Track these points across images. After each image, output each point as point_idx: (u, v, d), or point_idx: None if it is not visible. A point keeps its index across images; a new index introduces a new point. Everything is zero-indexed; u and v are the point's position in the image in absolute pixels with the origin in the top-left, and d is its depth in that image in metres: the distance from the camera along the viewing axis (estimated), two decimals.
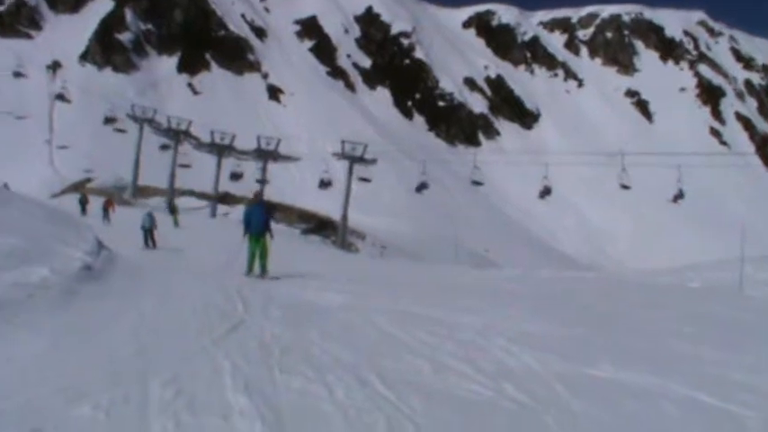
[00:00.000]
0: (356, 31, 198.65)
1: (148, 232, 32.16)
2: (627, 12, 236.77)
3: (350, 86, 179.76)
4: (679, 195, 68.55)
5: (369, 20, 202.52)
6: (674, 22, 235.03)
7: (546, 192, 73.72)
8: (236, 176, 79.73)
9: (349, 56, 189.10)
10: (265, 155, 77.28)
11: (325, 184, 79.03)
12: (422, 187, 76.26)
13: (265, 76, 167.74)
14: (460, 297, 17.10)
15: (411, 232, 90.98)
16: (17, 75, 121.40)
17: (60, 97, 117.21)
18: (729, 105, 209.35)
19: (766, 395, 8.26)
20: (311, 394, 7.29)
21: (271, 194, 76.37)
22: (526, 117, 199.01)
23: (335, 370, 8.28)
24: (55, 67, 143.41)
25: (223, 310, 12.72)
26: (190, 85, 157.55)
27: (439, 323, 12.33)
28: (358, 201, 72.89)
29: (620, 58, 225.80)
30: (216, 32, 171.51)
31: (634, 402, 7.68)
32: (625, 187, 67.49)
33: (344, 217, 67.12)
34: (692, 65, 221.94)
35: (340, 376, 8.00)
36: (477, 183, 73.94)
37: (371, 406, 7.02)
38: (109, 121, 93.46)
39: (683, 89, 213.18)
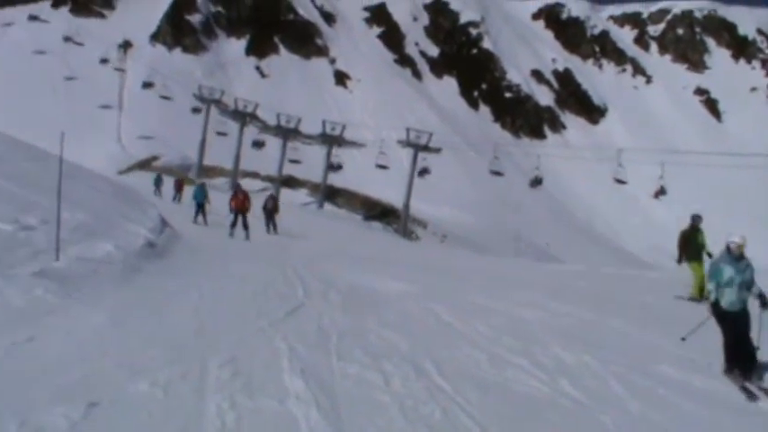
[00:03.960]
0: (425, 19, 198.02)
1: (200, 206, 32.56)
2: (699, 8, 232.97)
3: (417, 75, 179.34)
4: None
5: (437, 8, 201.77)
6: (747, 20, 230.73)
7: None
8: (294, 161, 79.90)
9: (417, 44, 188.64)
10: (330, 140, 77.49)
11: (381, 166, 78.77)
12: (536, 182, 76.10)
13: (333, 62, 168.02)
14: (521, 290, 16.95)
15: (473, 223, 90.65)
16: (103, 61, 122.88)
17: (130, 77, 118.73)
18: None
19: None
20: (367, 382, 7.25)
21: (334, 180, 76.79)
22: (593, 112, 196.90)
23: (392, 358, 8.23)
24: (126, 46, 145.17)
25: (282, 293, 12.75)
26: (257, 68, 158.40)
27: (498, 315, 12.23)
28: (421, 189, 72.61)
29: (691, 56, 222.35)
30: (285, 16, 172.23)
31: (692, 405, 7.53)
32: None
33: (407, 205, 67.11)
34: (765, 64, 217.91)
35: (397, 365, 7.95)
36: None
37: (427, 397, 6.97)
38: (175, 103, 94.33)
39: (754, 89, 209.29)
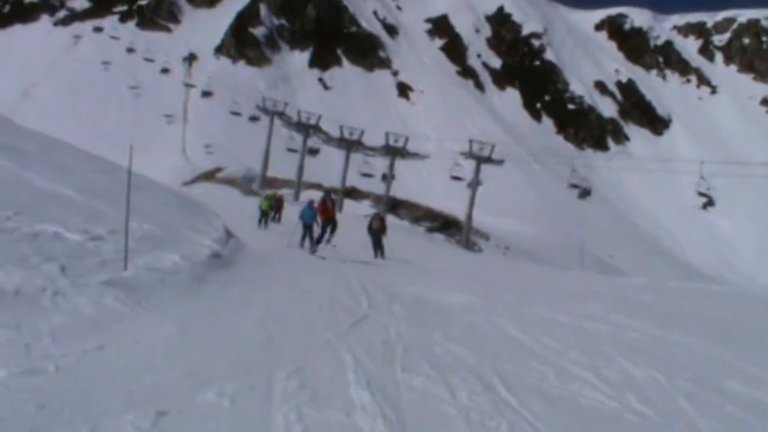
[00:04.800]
0: (487, 30, 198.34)
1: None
2: (766, 17, 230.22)
3: (479, 86, 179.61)
4: None
5: (500, 20, 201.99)
6: None
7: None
8: (366, 175, 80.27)
9: (479, 55, 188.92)
10: (393, 152, 77.81)
11: (456, 178, 78.72)
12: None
13: (395, 74, 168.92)
14: (584, 303, 16.82)
15: (535, 235, 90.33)
16: (164, 71, 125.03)
17: (192, 87, 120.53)
18: None
19: None
20: (433, 395, 7.23)
21: (397, 191, 77.00)
22: (657, 123, 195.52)
23: (458, 371, 8.21)
24: (191, 59, 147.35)
25: (347, 305, 12.80)
26: (320, 79, 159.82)
27: (563, 328, 12.15)
28: (483, 201, 72.53)
29: (757, 65, 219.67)
30: (348, 29, 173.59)
31: (761, 422, 7.41)
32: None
33: (469, 216, 67.10)
34: None
35: (463, 378, 7.92)
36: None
37: (494, 410, 6.92)
38: (250, 118, 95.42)
39: None
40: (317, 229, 27.88)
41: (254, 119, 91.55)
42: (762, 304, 22.86)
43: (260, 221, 35.36)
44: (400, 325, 11.02)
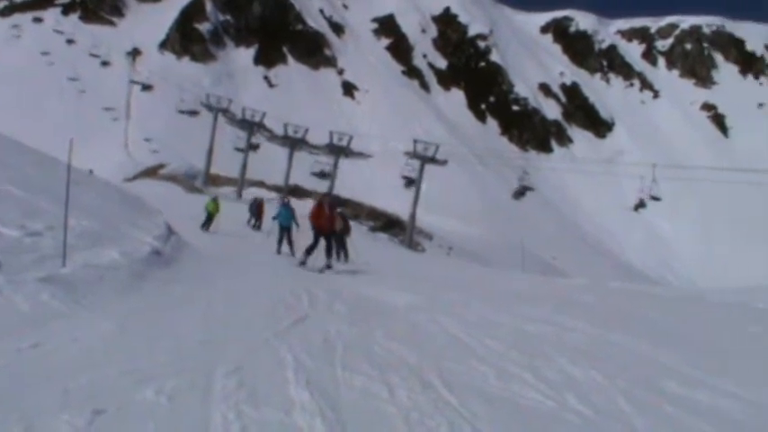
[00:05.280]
0: (433, 31, 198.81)
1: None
2: (708, 23, 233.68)
3: (424, 86, 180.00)
4: None
5: (446, 20, 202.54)
6: (755, 36, 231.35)
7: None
8: (322, 175, 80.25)
9: (425, 56, 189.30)
10: (337, 150, 77.72)
11: (410, 182, 78.86)
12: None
13: (341, 72, 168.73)
14: (527, 304, 16.96)
15: (479, 235, 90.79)
16: (104, 63, 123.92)
17: (140, 84, 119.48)
18: None
19: None
20: (373, 394, 7.22)
21: (341, 191, 76.96)
22: (600, 126, 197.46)
23: (399, 370, 8.21)
24: (135, 54, 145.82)
25: (288, 303, 12.77)
26: (266, 77, 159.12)
27: (505, 329, 12.23)
28: (427, 201, 72.84)
29: (699, 71, 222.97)
30: (293, 27, 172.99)
31: (698, 422, 7.49)
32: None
33: (413, 216, 67.23)
34: None
35: (403, 377, 7.92)
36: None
37: (433, 409, 6.93)
38: (188, 112, 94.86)
39: (761, 105, 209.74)
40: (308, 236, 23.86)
41: (193, 113, 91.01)
42: (701, 306, 23.22)
43: (204, 224, 33.64)
44: (341, 324, 11.01)
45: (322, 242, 22.17)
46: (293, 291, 14.57)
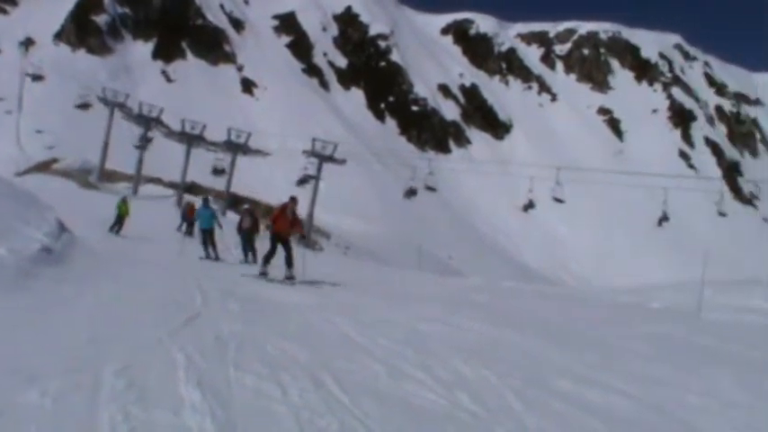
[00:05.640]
0: (334, 29, 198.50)
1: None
2: (605, 30, 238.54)
3: (324, 85, 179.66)
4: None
5: (347, 19, 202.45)
6: (650, 44, 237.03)
7: (530, 205, 74.24)
8: (218, 172, 79.33)
9: (325, 54, 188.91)
10: (235, 147, 77.00)
11: (303, 181, 78.78)
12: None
13: (240, 69, 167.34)
14: (422, 303, 17.08)
15: (376, 234, 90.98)
16: None
17: (32, 75, 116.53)
18: (699, 129, 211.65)
19: (722, 416, 8.25)
20: (264, 393, 7.18)
21: (238, 188, 76.33)
22: (498, 128, 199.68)
23: (291, 369, 8.18)
24: (28, 44, 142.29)
25: (181, 301, 12.63)
26: (164, 72, 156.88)
27: (399, 328, 12.29)
28: (325, 200, 72.68)
29: (595, 76, 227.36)
30: (193, 21, 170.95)
31: (588, 419, 7.63)
32: (558, 201, 67.83)
33: (310, 215, 67.03)
34: (666, 87, 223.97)
35: (295, 376, 7.90)
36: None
37: (325, 409, 6.92)
38: (81, 106, 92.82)
39: (655, 110, 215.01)
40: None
41: (89, 107, 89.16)
42: (595, 306, 23.71)
43: (112, 227, 31.18)
44: (234, 322, 10.93)
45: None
46: (187, 289, 14.44)
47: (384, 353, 9.82)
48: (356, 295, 17.73)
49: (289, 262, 19.53)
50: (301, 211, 68.62)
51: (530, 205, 75.27)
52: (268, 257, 19.95)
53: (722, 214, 75.10)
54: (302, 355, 9.02)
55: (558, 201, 68.55)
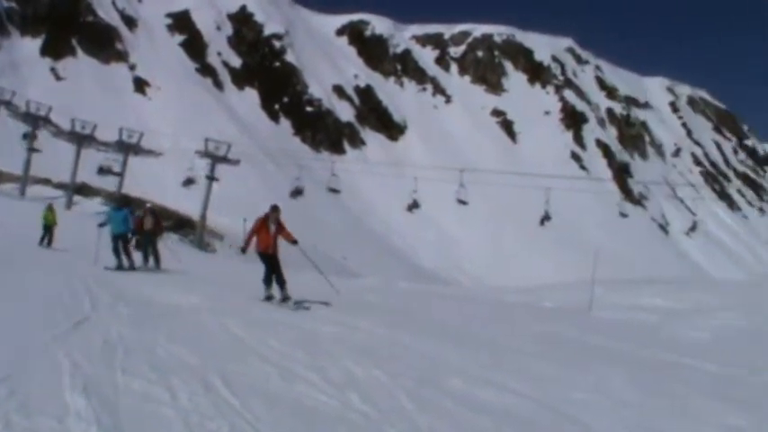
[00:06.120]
0: (228, 29, 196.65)
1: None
2: (499, 33, 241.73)
3: (218, 85, 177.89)
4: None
5: (242, 19, 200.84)
6: (543, 47, 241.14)
7: (414, 205, 74.73)
8: (104, 171, 77.95)
9: (219, 54, 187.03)
10: (127, 148, 75.83)
11: (189, 181, 78.16)
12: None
13: (132, 68, 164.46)
14: (315, 304, 17.03)
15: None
16: None
17: None
18: (591, 132, 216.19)
19: (612, 413, 8.41)
20: (153, 397, 7.08)
21: (130, 189, 75.13)
22: (392, 129, 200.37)
23: (180, 373, 8.09)
24: None
25: (69, 305, 12.38)
26: (53, 69, 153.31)
27: (291, 330, 12.27)
28: (218, 201, 71.98)
29: (489, 78, 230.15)
30: (84, 18, 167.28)
31: (479, 417, 7.70)
32: (462, 202, 68.68)
33: (203, 216, 66.47)
34: (558, 89, 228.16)
35: (184, 380, 7.82)
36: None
37: (215, 412, 6.86)
38: None
39: (547, 112, 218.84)
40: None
41: None
42: (487, 306, 23.99)
43: (42, 240, 29.28)
44: (123, 326, 10.77)
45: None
46: (76, 293, 14.16)
47: (275, 355, 9.79)
48: (249, 297, 17.61)
49: (280, 281, 17.14)
50: (193, 212, 67.88)
51: (414, 205, 75.91)
52: (267, 279, 17.37)
53: (624, 215, 76.99)
54: (193, 359, 8.93)
55: (462, 203, 69.24)
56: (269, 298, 17.07)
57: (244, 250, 18.15)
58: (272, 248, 17.26)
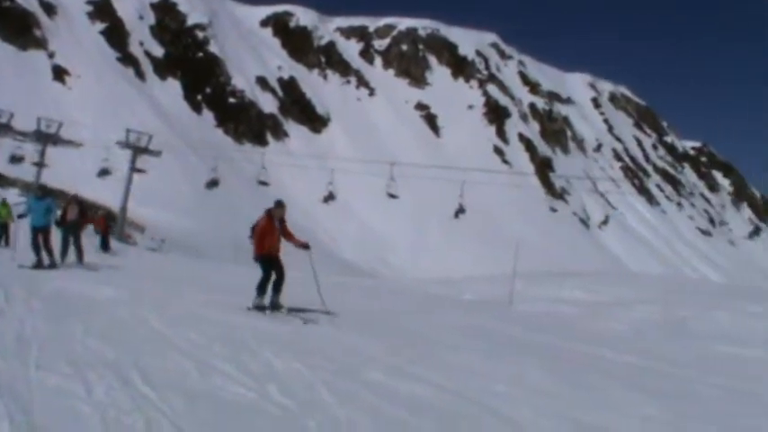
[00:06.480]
0: (151, 18, 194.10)
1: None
2: (423, 27, 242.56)
3: (140, 75, 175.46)
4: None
5: (165, 8, 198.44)
6: (467, 42, 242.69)
7: (330, 197, 74.69)
8: (15, 159, 76.52)
9: (141, 43, 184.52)
10: (45, 138, 74.41)
11: (104, 172, 77.12)
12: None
13: (51, 56, 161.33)
14: (235, 296, 16.94)
15: (192, 228, 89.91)
16: None
17: None
18: (513, 126, 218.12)
19: (529, 403, 8.49)
20: (68, 393, 6.98)
21: (49, 180, 73.83)
22: (316, 121, 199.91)
23: (97, 368, 7.99)
24: None
25: None
26: None
27: (211, 323, 12.19)
28: (139, 192, 71.05)
29: (413, 71, 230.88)
30: (0, 3, 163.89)
31: (398, 410, 7.74)
32: (392, 196, 68.89)
33: (124, 208, 65.58)
34: (482, 84, 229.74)
35: (101, 374, 7.72)
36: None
37: (132, 406, 6.78)
38: None
39: (471, 107, 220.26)
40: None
41: None
42: (408, 297, 24.12)
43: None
44: (38, 320, 10.59)
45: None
46: None
47: (194, 348, 9.73)
48: (169, 290, 17.48)
49: (277, 286, 15.44)
50: (111, 203, 67.05)
51: (330, 197, 76.02)
52: (263, 285, 15.31)
53: (554, 210, 78.46)
54: (110, 353, 8.83)
55: (393, 196, 69.30)
56: (260, 308, 15.03)
57: (257, 258, 15.66)
58: (276, 249, 15.72)
